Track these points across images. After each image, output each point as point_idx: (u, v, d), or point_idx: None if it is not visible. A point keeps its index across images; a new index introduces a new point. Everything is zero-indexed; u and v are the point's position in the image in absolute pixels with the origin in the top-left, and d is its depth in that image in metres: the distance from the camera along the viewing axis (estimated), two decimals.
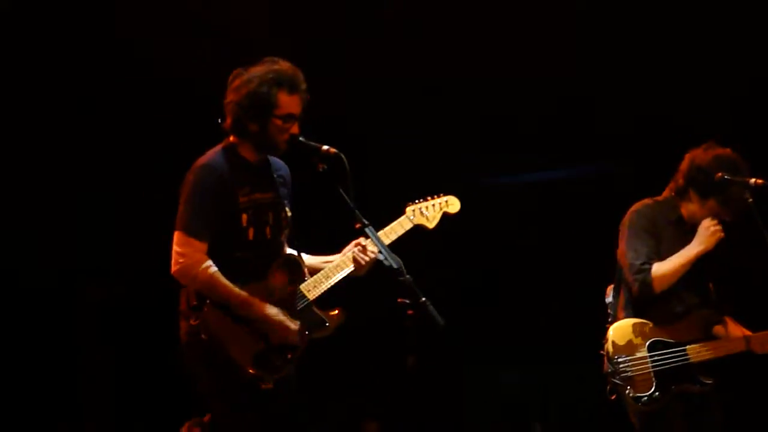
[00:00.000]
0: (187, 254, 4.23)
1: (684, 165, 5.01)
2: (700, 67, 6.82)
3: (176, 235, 4.28)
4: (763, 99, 6.76)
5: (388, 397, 7.24)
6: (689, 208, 5.00)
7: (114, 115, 6.85)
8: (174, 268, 4.25)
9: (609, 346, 4.88)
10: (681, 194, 5.02)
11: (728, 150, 4.96)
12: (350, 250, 4.42)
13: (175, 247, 4.26)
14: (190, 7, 6.52)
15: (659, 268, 4.86)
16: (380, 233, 4.35)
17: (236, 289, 4.22)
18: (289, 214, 4.45)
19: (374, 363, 7.26)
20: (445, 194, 4.66)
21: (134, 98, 6.77)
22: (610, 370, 4.87)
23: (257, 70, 4.34)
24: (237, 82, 4.34)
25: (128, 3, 6.49)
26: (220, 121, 4.41)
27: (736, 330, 5.02)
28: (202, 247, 4.25)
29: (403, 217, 4.51)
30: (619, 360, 4.85)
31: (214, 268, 4.23)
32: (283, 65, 4.37)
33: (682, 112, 6.83)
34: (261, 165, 4.43)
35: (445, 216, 4.61)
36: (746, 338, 4.95)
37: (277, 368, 4.23)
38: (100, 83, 6.66)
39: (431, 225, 4.57)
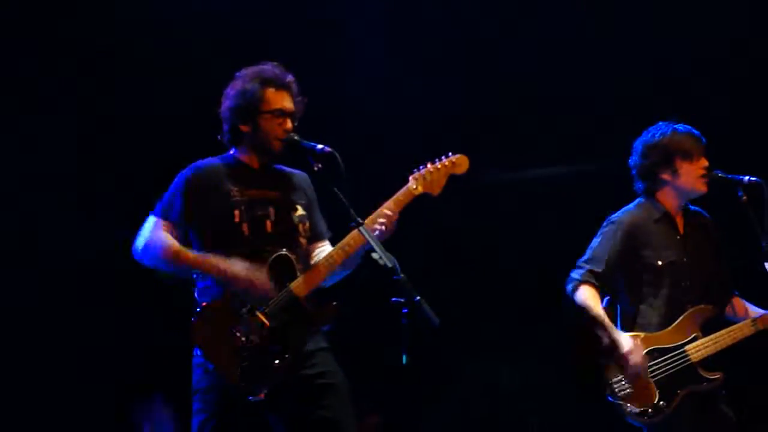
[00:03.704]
0: (149, 233, 4.28)
1: (633, 160, 5.01)
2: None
3: (147, 220, 4.34)
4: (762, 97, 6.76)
5: (389, 390, 7.25)
6: (669, 194, 4.95)
7: None
8: (136, 247, 4.30)
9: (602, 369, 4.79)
10: (652, 188, 4.98)
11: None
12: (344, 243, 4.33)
13: (142, 230, 4.31)
14: None
15: (585, 297, 4.84)
16: (384, 205, 4.29)
17: (199, 255, 4.22)
18: (301, 212, 4.42)
19: (372, 359, 7.26)
20: (453, 154, 4.42)
21: None
22: (607, 392, 4.78)
23: (243, 74, 4.40)
24: (226, 91, 4.41)
25: None
26: (220, 137, 4.45)
27: (741, 309, 4.98)
28: (169, 226, 4.28)
29: (405, 188, 4.34)
30: (615, 380, 4.77)
31: (177, 245, 4.24)
32: (270, 65, 4.41)
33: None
34: (263, 169, 4.43)
35: (453, 177, 4.39)
36: (753, 320, 4.88)
37: (266, 379, 4.17)
38: None
39: (435, 191, 4.36)
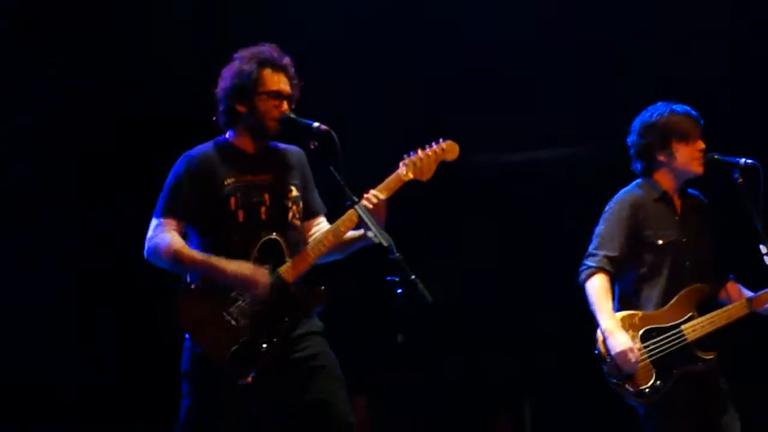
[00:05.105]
0: (154, 235, 4.28)
1: (631, 139, 4.99)
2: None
3: (151, 222, 4.33)
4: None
5: (376, 371, 7.26)
6: (665, 175, 4.94)
7: None
8: (146, 250, 4.30)
9: (600, 347, 4.76)
10: (649, 169, 4.97)
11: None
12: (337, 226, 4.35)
13: (148, 233, 4.31)
14: None
15: (594, 287, 4.80)
16: (373, 190, 4.29)
17: (198, 255, 4.23)
18: (295, 194, 4.41)
19: (363, 339, 7.28)
20: (444, 140, 4.44)
21: None
22: (606, 371, 4.76)
23: (240, 55, 4.40)
24: (222, 72, 4.40)
25: None
26: (214, 118, 4.44)
27: (735, 293, 4.97)
28: (172, 223, 4.28)
29: (395, 173, 4.35)
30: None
31: (180, 243, 4.25)
32: (267, 47, 4.40)
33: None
34: (258, 152, 4.42)
35: (444, 164, 4.42)
36: (748, 300, 4.89)
37: (254, 363, 4.19)
38: None
39: (425, 177, 4.38)
